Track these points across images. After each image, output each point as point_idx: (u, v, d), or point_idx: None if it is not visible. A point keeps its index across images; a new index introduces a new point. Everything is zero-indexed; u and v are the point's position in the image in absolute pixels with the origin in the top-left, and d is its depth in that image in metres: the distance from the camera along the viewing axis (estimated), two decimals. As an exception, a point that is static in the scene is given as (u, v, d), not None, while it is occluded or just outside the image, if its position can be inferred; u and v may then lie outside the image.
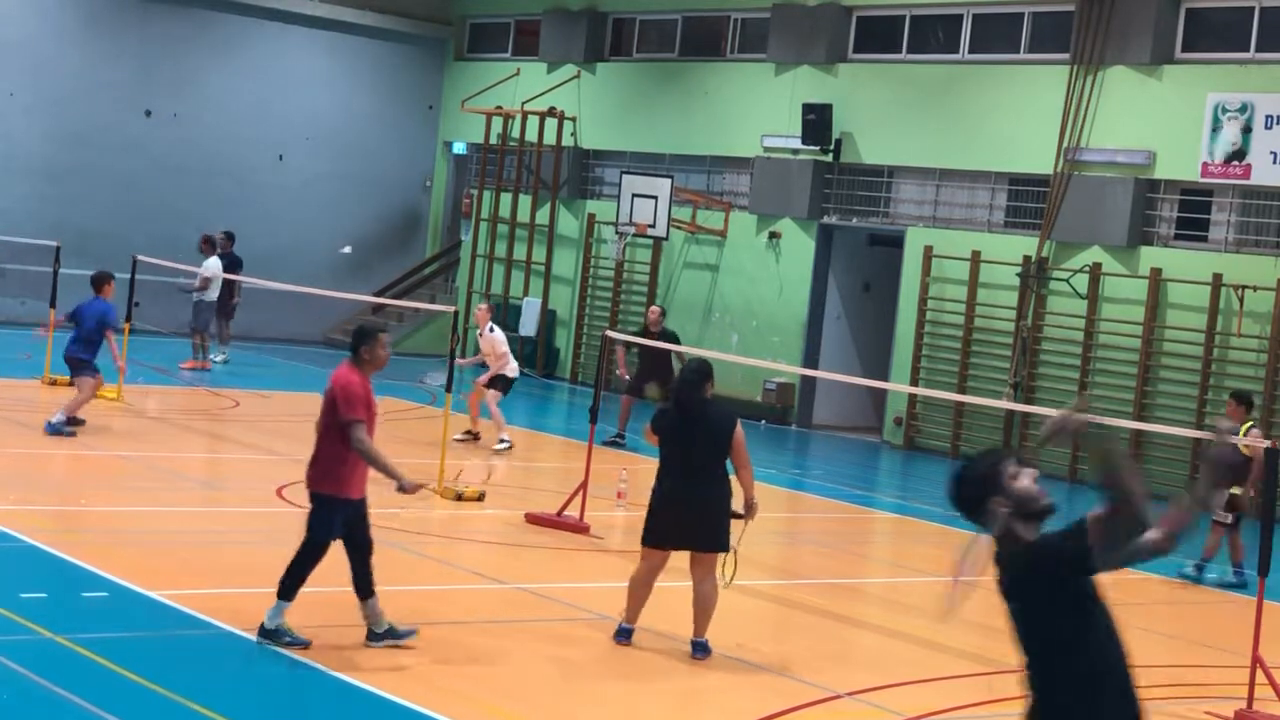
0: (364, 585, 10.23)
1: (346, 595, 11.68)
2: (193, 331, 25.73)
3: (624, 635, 11.06)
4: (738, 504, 11.08)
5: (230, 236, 27.38)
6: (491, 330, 20.37)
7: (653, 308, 21.87)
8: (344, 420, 10.01)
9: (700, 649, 10.89)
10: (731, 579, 11.08)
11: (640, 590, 11.01)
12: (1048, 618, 5.38)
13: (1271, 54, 22.17)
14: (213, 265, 25.89)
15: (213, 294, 25.84)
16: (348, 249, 23.49)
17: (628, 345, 20.89)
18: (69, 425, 17.67)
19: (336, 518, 10.13)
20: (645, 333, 21.21)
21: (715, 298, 28.44)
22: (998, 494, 5.45)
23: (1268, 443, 11.48)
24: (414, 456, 18.59)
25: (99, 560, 11.80)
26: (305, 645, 9.96)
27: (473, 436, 20.31)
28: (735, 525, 11.14)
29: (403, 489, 10.19)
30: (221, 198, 31.62)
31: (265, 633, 9.97)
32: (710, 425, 10.88)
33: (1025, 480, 5.50)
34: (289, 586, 10.07)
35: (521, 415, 25.97)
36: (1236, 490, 15.83)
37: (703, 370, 11.15)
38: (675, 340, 20.74)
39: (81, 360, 18.18)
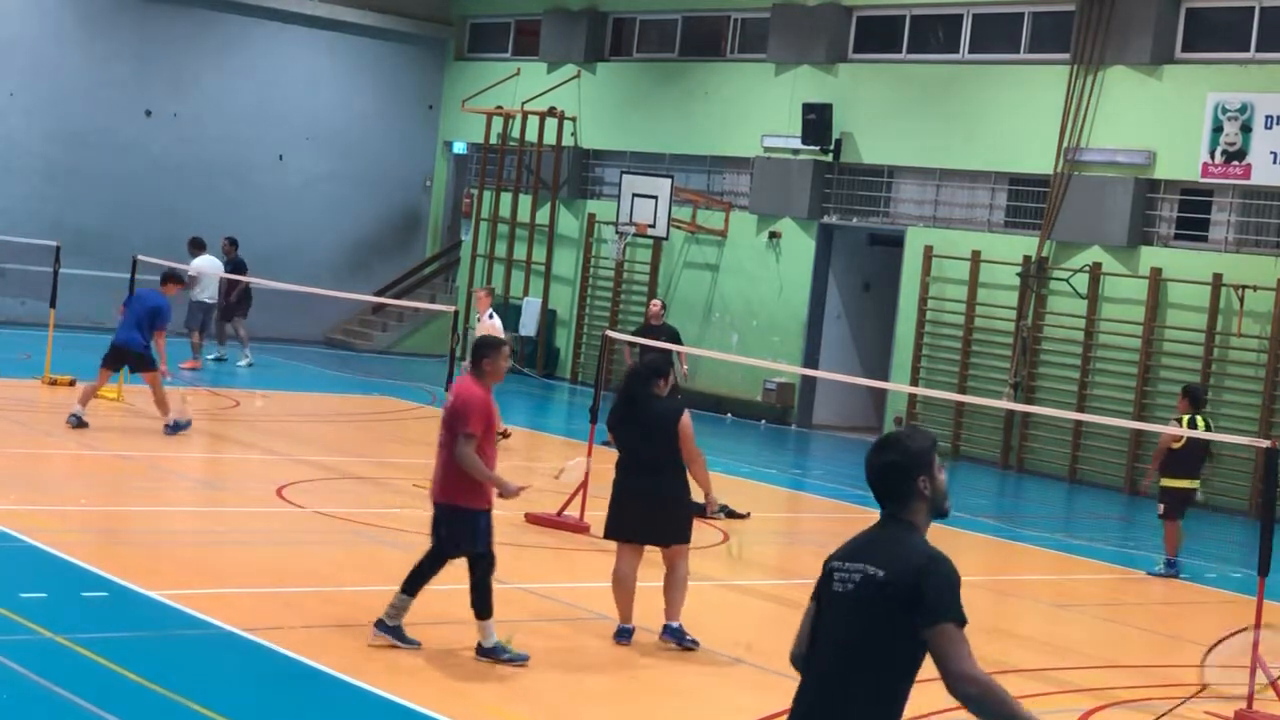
0: (415, 583, 10.35)
1: (347, 595, 11.69)
2: (190, 331, 25.75)
3: (624, 635, 11.08)
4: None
5: (234, 242, 27.31)
6: (491, 316, 20.24)
7: (654, 301, 21.80)
8: (458, 432, 10.13)
9: (670, 633, 10.99)
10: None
11: (621, 586, 11.11)
12: (883, 627, 5.14)
13: (1271, 54, 22.16)
14: (199, 265, 25.84)
15: (204, 294, 25.79)
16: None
17: (632, 345, 20.85)
18: (181, 425, 18.21)
19: (483, 525, 10.26)
20: (646, 327, 21.15)
21: (715, 298, 28.44)
22: (925, 474, 5.31)
23: (1267, 442, 11.47)
24: (415, 456, 18.61)
25: (99, 560, 11.80)
26: (524, 660, 10.16)
27: (502, 435, 20.09)
28: (714, 524, 11.25)
29: (505, 494, 10.36)
30: (221, 198, 31.61)
31: (484, 651, 10.16)
32: (658, 420, 10.98)
33: (944, 475, 5.40)
34: (484, 606, 10.21)
35: (522, 415, 25.98)
36: (1177, 482, 15.94)
37: (654, 367, 11.35)
38: (677, 336, 20.70)
39: (136, 352, 18.29)
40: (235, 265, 26.88)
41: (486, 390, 10.33)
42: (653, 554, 11.22)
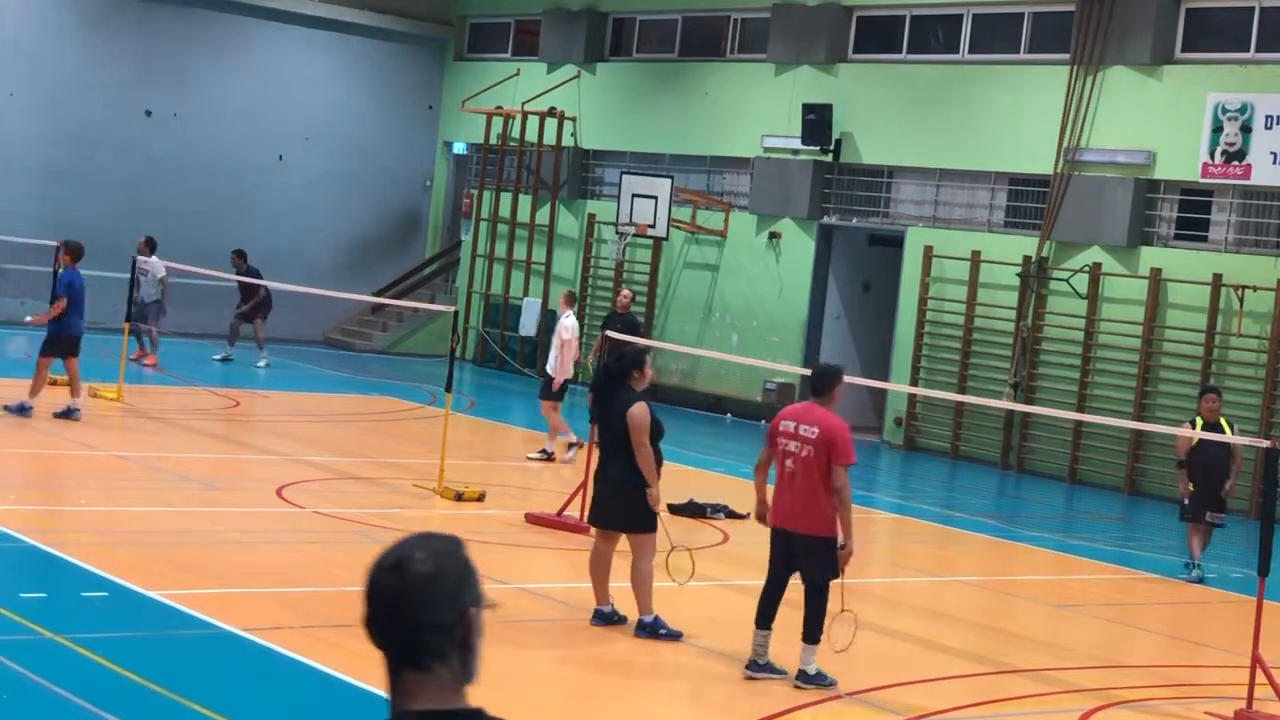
0: (770, 615, 10.49)
1: (347, 595, 11.68)
2: (147, 328, 25.49)
3: (596, 618, 11.34)
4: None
5: (242, 255, 27.22)
6: (568, 318, 20.06)
7: (624, 291, 21.88)
8: (843, 463, 10.23)
9: (642, 628, 11.17)
10: (686, 578, 11.59)
11: (593, 569, 11.39)
12: None
13: (1271, 54, 22.16)
14: (155, 264, 25.63)
15: (152, 292, 25.56)
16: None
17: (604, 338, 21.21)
18: (73, 412, 18.25)
19: (835, 554, 10.38)
20: (614, 316, 21.41)
21: (715, 298, 28.43)
22: None
23: (1267, 442, 11.47)
24: (415, 456, 18.60)
25: (99, 560, 11.79)
26: (833, 684, 10.35)
27: (547, 456, 19.66)
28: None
29: (841, 547, 10.35)
30: (221, 198, 31.61)
31: (806, 678, 10.28)
32: (619, 410, 11.15)
33: None
34: (818, 629, 10.34)
35: (522, 415, 25.98)
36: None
37: (628, 357, 11.52)
38: (634, 324, 20.87)
39: (77, 338, 18.56)
40: (249, 275, 26.80)
41: None
42: (675, 560, 11.28)
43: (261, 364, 26.41)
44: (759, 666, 10.38)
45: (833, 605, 10.40)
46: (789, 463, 10.36)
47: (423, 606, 2.99)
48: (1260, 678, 10.62)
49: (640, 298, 29.13)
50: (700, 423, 25.65)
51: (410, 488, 16.38)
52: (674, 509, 15.76)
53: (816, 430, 10.28)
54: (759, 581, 13.71)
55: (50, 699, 8.63)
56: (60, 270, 19.28)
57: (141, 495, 15.30)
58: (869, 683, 10.68)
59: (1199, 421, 15.93)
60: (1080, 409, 22.75)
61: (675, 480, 16.04)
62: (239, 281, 26.55)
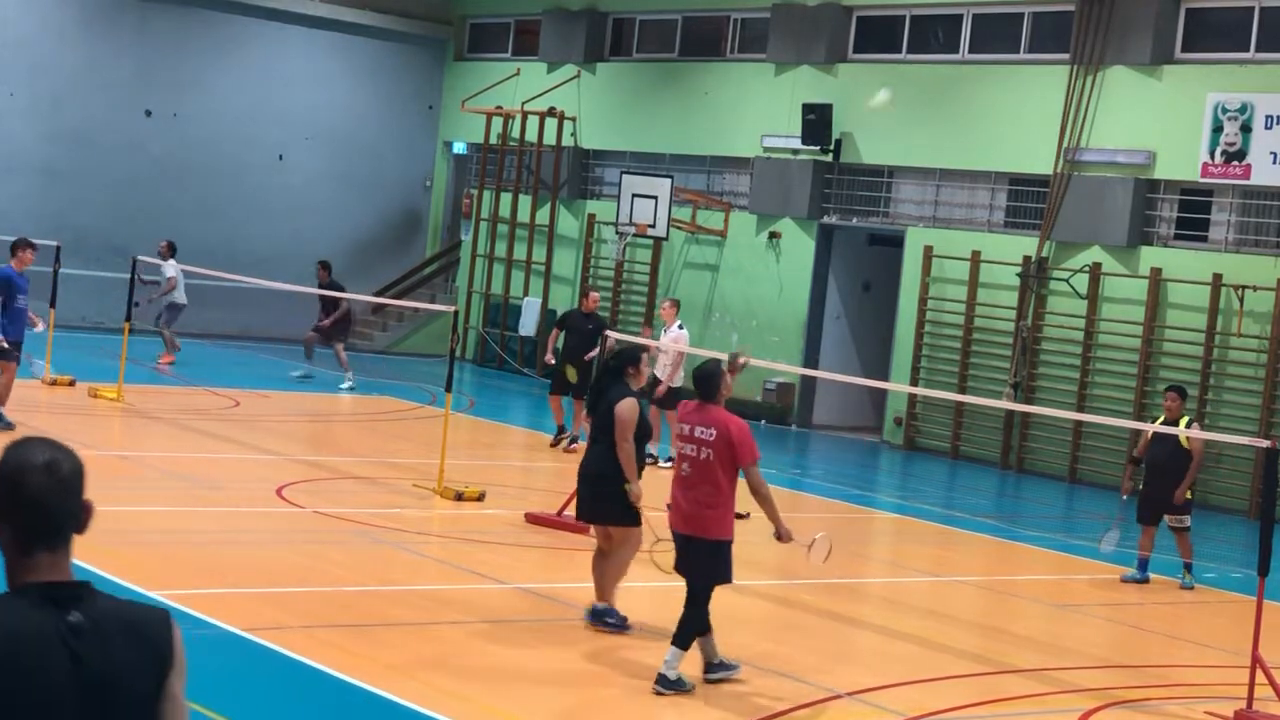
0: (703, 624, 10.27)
1: (347, 595, 11.68)
2: (165, 325, 25.47)
3: (591, 616, 11.32)
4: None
5: (326, 266, 26.29)
6: (680, 327, 19.92)
7: (593, 294, 21.88)
8: (752, 461, 10.01)
9: (592, 614, 11.20)
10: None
11: (595, 567, 11.44)
12: None
13: (1271, 54, 22.17)
14: (166, 265, 25.54)
15: (181, 296, 25.53)
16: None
17: (560, 328, 21.35)
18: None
19: (729, 557, 10.15)
20: (577, 314, 21.34)
21: (715, 298, 28.44)
22: None
23: (1267, 442, 11.46)
24: (415, 456, 18.61)
25: (99, 560, 11.78)
26: (690, 689, 9.99)
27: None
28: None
29: (779, 537, 10.25)
30: (222, 198, 31.62)
31: (666, 683, 9.84)
32: (609, 406, 11.26)
33: None
34: (689, 637, 9.97)
35: (522, 415, 26.01)
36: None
37: (624, 355, 11.66)
38: (602, 325, 20.88)
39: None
40: (331, 289, 26.52)
41: None
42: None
43: (346, 385, 25.15)
44: (716, 666, 10.20)
45: (812, 531, 10.26)
46: (685, 466, 10.07)
47: (72, 497, 3.82)
48: (1260, 678, 10.62)
49: (640, 298, 29.17)
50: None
51: (410, 488, 16.38)
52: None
53: (714, 432, 9.97)
54: (755, 581, 13.74)
55: (50, 699, 8.61)
56: (6, 265, 18.88)
57: (141, 495, 15.29)
58: (869, 683, 10.68)
59: (1160, 419, 15.79)
60: (1080, 409, 22.76)
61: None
62: (320, 294, 25.63)
